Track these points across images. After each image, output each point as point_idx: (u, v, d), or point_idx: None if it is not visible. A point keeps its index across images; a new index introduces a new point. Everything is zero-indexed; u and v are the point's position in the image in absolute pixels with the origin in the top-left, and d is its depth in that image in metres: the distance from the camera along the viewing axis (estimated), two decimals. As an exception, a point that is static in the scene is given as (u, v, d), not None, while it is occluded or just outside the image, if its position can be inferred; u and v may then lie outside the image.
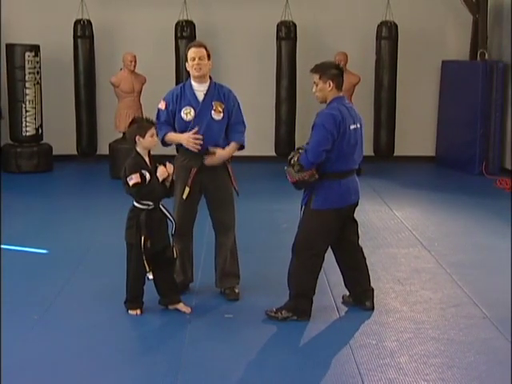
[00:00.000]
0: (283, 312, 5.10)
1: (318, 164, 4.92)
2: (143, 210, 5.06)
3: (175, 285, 5.32)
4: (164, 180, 5.11)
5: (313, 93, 5.13)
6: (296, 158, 5.00)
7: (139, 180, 4.99)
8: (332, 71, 5.04)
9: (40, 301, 5.47)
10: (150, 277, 5.09)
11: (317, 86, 5.05)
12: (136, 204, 5.10)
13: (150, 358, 4.60)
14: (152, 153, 5.20)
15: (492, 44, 11.20)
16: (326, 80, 5.01)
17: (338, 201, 5.04)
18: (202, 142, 5.33)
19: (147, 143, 5.09)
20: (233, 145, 5.49)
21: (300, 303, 5.11)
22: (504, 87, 10.69)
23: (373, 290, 5.41)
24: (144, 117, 5.32)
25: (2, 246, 6.69)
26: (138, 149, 5.11)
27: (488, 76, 10.60)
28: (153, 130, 5.10)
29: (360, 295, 5.38)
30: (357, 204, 5.24)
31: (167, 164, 5.18)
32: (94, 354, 4.64)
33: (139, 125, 5.10)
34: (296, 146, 5.24)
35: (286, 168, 5.09)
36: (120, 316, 5.21)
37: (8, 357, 4.46)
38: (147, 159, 5.11)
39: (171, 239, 5.25)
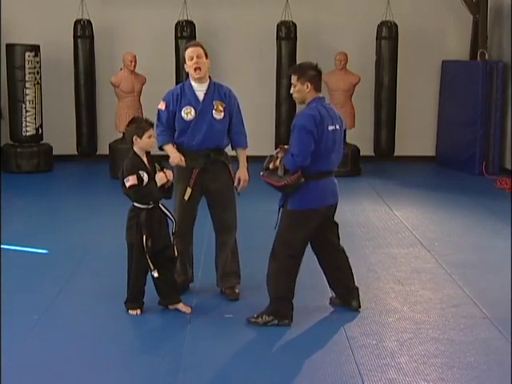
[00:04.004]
0: (264, 317, 5.05)
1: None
2: (143, 209, 5.07)
3: (175, 285, 5.31)
4: (163, 185, 5.11)
5: (290, 94, 5.10)
6: (278, 162, 4.97)
7: (136, 182, 4.98)
8: (310, 72, 4.99)
9: (40, 301, 5.47)
10: (156, 274, 5.09)
11: (295, 87, 5.01)
12: (136, 204, 5.11)
13: (150, 357, 4.60)
14: (152, 153, 5.19)
15: (492, 44, 11.20)
16: (303, 81, 4.96)
17: (315, 202, 4.99)
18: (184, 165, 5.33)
19: (144, 144, 5.08)
20: (242, 153, 5.59)
21: (279, 306, 5.06)
22: (504, 87, 10.69)
23: (357, 288, 5.38)
24: (144, 117, 5.31)
25: (2, 246, 6.69)
26: (136, 149, 5.11)
27: (488, 76, 10.60)
28: (151, 132, 5.09)
29: (346, 295, 5.36)
30: (335, 206, 5.20)
31: (167, 171, 5.17)
32: (93, 353, 4.64)
33: (138, 125, 5.10)
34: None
35: (262, 174, 5.05)
36: (120, 316, 5.21)
37: (8, 357, 4.46)
38: (145, 159, 5.11)
39: (172, 238, 5.25)
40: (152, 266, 5.07)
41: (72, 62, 10.96)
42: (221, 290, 5.64)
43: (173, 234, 5.23)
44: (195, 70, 5.34)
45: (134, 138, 5.06)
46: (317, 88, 5.01)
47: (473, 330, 5.02)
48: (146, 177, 5.03)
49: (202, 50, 5.38)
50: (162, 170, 5.15)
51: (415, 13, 11.49)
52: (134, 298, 5.23)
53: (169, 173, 5.17)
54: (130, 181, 4.98)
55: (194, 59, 5.33)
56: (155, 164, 5.14)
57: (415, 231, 7.55)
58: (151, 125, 5.14)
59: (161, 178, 5.09)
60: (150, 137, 5.08)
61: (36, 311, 5.25)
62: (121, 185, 5.07)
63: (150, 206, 5.08)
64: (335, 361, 4.54)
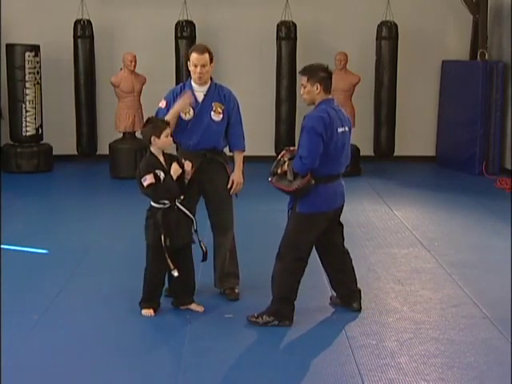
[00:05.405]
0: (264, 317, 5.05)
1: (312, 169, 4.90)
2: (159, 209, 5.06)
3: (190, 285, 5.31)
4: (180, 177, 5.10)
5: (300, 95, 5.10)
6: (286, 167, 4.95)
7: (153, 180, 4.99)
8: (320, 74, 4.97)
9: (40, 301, 5.47)
10: (176, 274, 5.09)
11: (304, 88, 4.99)
12: (153, 204, 5.10)
13: (150, 357, 4.60)
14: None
15: (492, 44, 11.20)
16: (313, 83, 4.94)
17: (324, 205, 4.99)
18: (192, 96, 5.33)
19: (162, 143, 5.08)
20: (239, 155, 5.56)
21: (281, 307, 5.05)
22: (504, 87, 10.69)
23: (359, 291, 5.38)
24: (158, 117, 5.29)
25: (2, 246, 6.69)
26: (153, 149, 5.11)
27: (488, 76, 10.60)
28: (168, 131, 5.09)
29: (347, 297, 5.36)
30: (342, 207, 5.21)
31: (186, 162, 5.18)
32: (93, 353, 4.64)
33: (154, 125, 5.10)
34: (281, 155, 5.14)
35: (270, 179, 5.03)
36: (120, 316, 5.22)
37: (8, 357, 4.46)
38: (162, 159, 5.11)
39: (196, 236, 5.24)
40: (172, 266, 5.07)
41: (72, 62, 10.95)
42: (220, 290, 5.64)
43: (195, 231, 5.22)
44: (198, 77, 5.36)
45: (153, 138, 5.05)
46: (326, 90, 4.99)
47: (473, 330, 5.02)
48: (162, 175, 5.02)
49: (207, 58, 5.34)
50: (176, 161, 5.14)
51: (415, 13, 11.48)
52: (149, 298, 5.23)
53: (187, 163, 5.17)
54: (148, 180, 4.99)
55: (199, 68, 5.32)
56: (171, 162, 5.12)
57: (415, 231, 7.55)
58: (167, 124, 5.15)
59: (175, 169, 5.07)
60: (167, 136, 5.09)
61: (36, 311, 5.25)
62: (138, 185, 5.06)
63: (167, 206, 5.07)
64: (335, 361, 4.54)
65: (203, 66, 5.33)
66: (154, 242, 5.08)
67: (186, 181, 5.18)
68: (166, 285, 5.36)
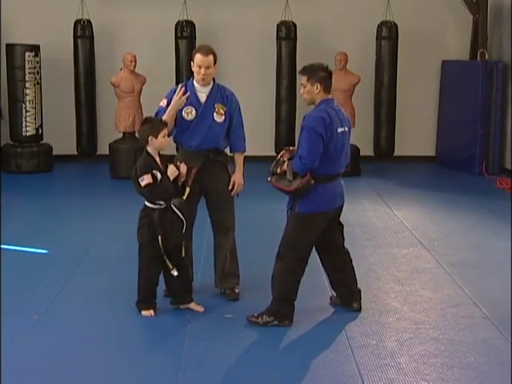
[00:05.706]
0: (264, 317, 5.05)
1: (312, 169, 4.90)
2: (155, 209, 5.06)
3: (187, 284, 5.30)
4: (176, 179, 5.11)
5: (300, 95, 5.10)
6: (285, 166, 4.96)
7: (151, 180, 4.98)
8: (320, 74, 4.97)
9: (40, 301, 5.47)
10: (175, 273, 5.09)
11: (304, 87, 4.99)
12: (148, 204, 5.10)
13: (150, 358, 4.60)
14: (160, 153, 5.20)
15: (492, 44, 11.20)
16: (313, 82, 4.94)
17: (324, 205, 4.99)
18: (187, 95, 5.35)
19: (159, 144, 5.08)
20: (239, 157, 5.57)
21: (281, 307, 5.05)
22: (504, 87, 10.69)
23: (360, 291, 5.38)
24: (157, 117, 5.29)
25: (2, 246, 6.69)
26: (149, 149, 5.10)
27: (488, 76, 10.60)
28: (165, 131, 5.10)
29: (347, 297, 5.36)
30: (342, 207, 5.20)
31: (181, 164, 5.19)
32: (93, 354, 4.64)
33: (152, 125, 5.09)
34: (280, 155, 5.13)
35: (269, 179, 5.03)
36: (120, 316, 5.22)
37: (8, 357, 4.46)
38: (158, 159, 5.11)
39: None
40: (171, 265, 5.07)
41: (72, 62, 10.96)
42: (220, 290, 5.64)
43: (184, 232, 5.22)
44: (201, 79, 5.36)
45: (150, 138, 5.05)
46: (326, 89, 4.99)
47: (473, 330, 5.03)
48: (159, 176, 5.02)
49: (212, 59, 5.34)
50: (172, 163, 5.15)
51: (415, 13, 11.48)
52: (146, 299, 5.22)
53: (182, 166, 5.17)
54: (145, 180, 4.98)
55: (203, 70, 5.32)
56: (167, 163, 5.13)
57: (415, 231, 7.55)
58: (165, 124, 5.15)
59: (172, 171, 5.08)
60: (164, 136, 5.09)
61: (36, 311, 5.26)
62: (134, 184, 5.05)
63: (162, 206, 5.07)
64: (335, 361, 4.54)
65: (207, 67, 5.32)
66: (148, 242, 5.07)
67: (180, 183, 5.18)
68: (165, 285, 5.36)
